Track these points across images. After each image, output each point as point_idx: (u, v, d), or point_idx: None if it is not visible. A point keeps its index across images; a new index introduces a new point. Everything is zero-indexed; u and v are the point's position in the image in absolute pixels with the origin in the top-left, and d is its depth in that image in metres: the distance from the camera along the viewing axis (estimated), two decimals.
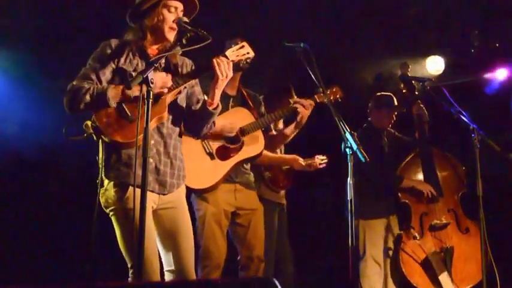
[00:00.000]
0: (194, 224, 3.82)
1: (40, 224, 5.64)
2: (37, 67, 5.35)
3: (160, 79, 2.72)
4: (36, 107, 5.37)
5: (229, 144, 3.77)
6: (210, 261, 3.70)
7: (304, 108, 4.01)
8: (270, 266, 4.22)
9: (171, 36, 2.86)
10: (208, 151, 3.71)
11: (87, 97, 2.67)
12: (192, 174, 3.49)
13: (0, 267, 5.25)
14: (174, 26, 2.84)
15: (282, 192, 4.50)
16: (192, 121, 3.01)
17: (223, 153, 3.75)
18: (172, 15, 2.85)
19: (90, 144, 2.84)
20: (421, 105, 4.79)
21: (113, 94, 2.67)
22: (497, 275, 4.22)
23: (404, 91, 4.83)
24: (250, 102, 4.04)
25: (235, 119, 3.85)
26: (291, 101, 4.05)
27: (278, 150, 4.43)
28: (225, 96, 3.88)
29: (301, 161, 4.36)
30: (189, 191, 3.72)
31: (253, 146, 3.86)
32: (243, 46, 2.98)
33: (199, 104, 2.96)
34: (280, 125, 4.51)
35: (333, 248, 5.52)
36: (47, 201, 5.73)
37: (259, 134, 3.94)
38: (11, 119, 5.40)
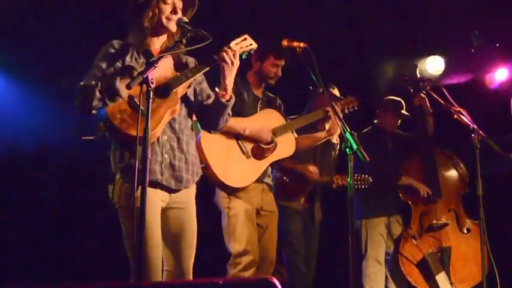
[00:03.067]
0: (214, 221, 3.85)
1: (41, 223, 5.64)
2: (37, 67, 5.36)
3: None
4: (36, 107, 5.37)
5: (263, 145, 3.85)
6: (246, 257, 3.72)
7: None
8: (297, 271, 4.35)
9: (171, 26, 2.85)
10: (244, 150, 3.78)
11: (97, 93, 2.66)
12: (230, 172, 3.67)
13: (2, 268, 5.25)
14: (173, 17, 2.84)
15: (302, 199, 4.51)
16: (207, 116, 3.01)
17: (258, 153, 3.84)
18: (168, 6, 2.85)
19: (93, 142, 2.83)
20: (424, 97, 4.79)
21: (121, 84, 2.65)
22: (497, 275, 4.23)
23: (412, 90, 4.82)
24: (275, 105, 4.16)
25: (266, 120, 3.95)
26: (327, 109, 4.11)
27: None
28: (254, 98, 4.06)
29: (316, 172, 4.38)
30: (214, 189, 3.81)
31: (286, 147, 3.98)
32: (245, 38, 2.99)
33: (211, 99, 2.96)
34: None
35: (334, 247, 5.52)
36: (49, 200, 5.73)
37: (290, 135, 4.05)
38: (11, 118, 5.40)
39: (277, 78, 4.11)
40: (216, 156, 3.63)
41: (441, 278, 4.53)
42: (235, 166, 3.73)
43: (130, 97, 2.68)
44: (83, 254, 5.62)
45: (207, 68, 2.92)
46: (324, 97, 4.48)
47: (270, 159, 3.90)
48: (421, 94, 4.77)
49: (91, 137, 2.74)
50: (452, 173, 4.86)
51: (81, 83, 2.74)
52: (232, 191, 3.77)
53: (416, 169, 4.84)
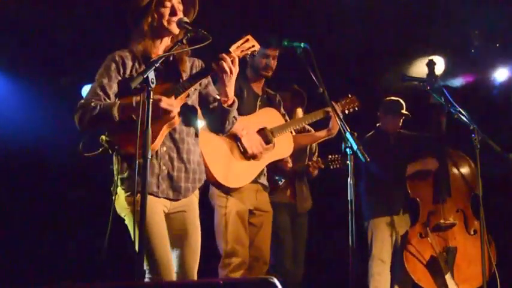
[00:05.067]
0: (208, 219, 3.81)
1: (41, 225, 5.64)
2: (37, 66, 5.36)
3: (165, 102, 2.69)
4: (36, 107, 5.37)
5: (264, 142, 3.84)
6: (236, 259, 3.71)
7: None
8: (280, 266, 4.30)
9: (173, 28, 2.84)
10: (242, 150, 3.76)
11: (94, 115, 2.69)
12: (227, 172, 3.65)
13: (2, 268, 5.25)
14: (174, 18, 2.82)
15: (288, 191, 4.51)
16: (213, 120, 3.02)
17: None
18: (167, 9, 2.84)
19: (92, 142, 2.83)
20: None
21: (118, 111, 2.68)
22: (497, 276, 4.23)
23: (428, 88, 4.80)
24: (274, 102, 4.15)
25: (265, 119, 3.94)
26: (328, 109, 4.07)
27: None
28: (253, 95, 4.03)
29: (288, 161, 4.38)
30: (207, 187, 3.78)
31: (284, 148, 3.96)
32: (247, 40, 2.93)
33: (217, 102, 2.95)
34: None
35: (336, 247, 5.53)
36: (47, 203, 5.73)
37: (289, 135, 4.02)
38: (11, 119, 5.40)
39: (271, 69, 4.04)
40: (213, 155, 3.62)
41: (449, 277, 4.54)
42: (232, 166, 3.71)
43: (128, 117, 2.68)
44: (83, 254, 5.63)
45: (205, 77, 2.91)
46: (289, 93, 4.62)
47: (268, 160, 3.88)
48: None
49: (93, 153, 2.75)
50: (463, 174, 4.85)
51: (82, 101, 2.77)
52: (227, 190, 3.76)
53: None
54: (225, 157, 3.70)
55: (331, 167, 4.62)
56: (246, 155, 3.77)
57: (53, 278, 5.39)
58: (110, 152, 2.75)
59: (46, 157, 5.67)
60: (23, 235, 5.57)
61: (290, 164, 4.40)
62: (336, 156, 4.60)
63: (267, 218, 3.97)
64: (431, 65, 4.84)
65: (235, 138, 3.76)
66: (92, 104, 2.71)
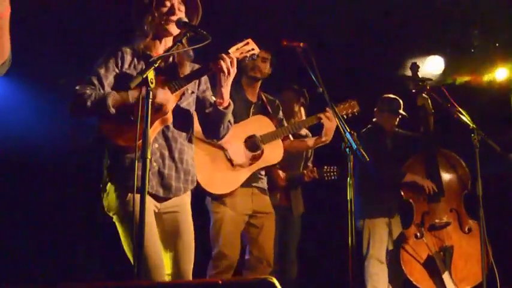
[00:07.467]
0: (205, 225, 3.86)
1: (40, 225, 5.64)
2: (37, 67, 5.35)
3: (162, 95, 2.70)
4: (35, 107, 5.37)
5: (249, 152, 3.84)
6: (224, 262, 3.74)
7: (329, 120, 3.96)
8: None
9: (171, 28, 2.84)
10: (229, 157, 3.77)
11: (88, 104, 2.68)
12: (212, 179, 3.67)
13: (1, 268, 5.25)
14: (172, 18, 2.83)
15: (278, 195, 4.53)
16: (208, 124, 3.02)
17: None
18: (167, 9, 2.85)
19: (91, 147, 2.83)
20: (426, 98, 4.79)
21: (113, 102, 2.67)
22: (497, 275, 4.23)
23: (414, 90, 4.81)
24: (269, 109, 4.11)
25: (255, 127, 3.93)
26: (321, 115, 4.02)
27: None
28: (246, 102, 4.02)
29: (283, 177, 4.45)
30: (204, 194, 3.80)
31: (273, 154, 3.94)
32: (247, 43, 2.93)
33: (212, 107, 2.95)
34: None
35: (335, 248, 5.52)
36: (47, 203, 5.72)
37: (279, 142, 4.00)
38: (10, 119, 5.39)
39: (259, 70, 4.00)
40: (199, 163, 3.59)
41: (446, 277, 4.55)
42: (218, 173, 3.73)
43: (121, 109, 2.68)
44: (82, 254, 5.63)
45: (202, 76, 2.91)
46: (290, 92, 4.62)
47: (255, 167, 3.87)
48: (424, 95, 4.77)
49: (85, 142, 2.75)
50: (454, 174, 4.86)
51: (77, 88, 2.75)
52: (216, 197, 3.78)
53: (418, 169, 4.85)
54: (211, 164, 3.73)
55: (326, 178, 4.63)
56: (232, 164, 3.78)
57: (53, 278, 5.38)
58: (99, 142, 2.75)
59: (44, 157, 5.66)
60: (21, 235, 5.57)
61: (283, 179, 4.45)
62: (332, 167, 4.62)
63: (268, 218, 3.97)
64: (414, 68, 4.85)
65: (221, 147, 3.77)
66: (87, 92, 2.71)
